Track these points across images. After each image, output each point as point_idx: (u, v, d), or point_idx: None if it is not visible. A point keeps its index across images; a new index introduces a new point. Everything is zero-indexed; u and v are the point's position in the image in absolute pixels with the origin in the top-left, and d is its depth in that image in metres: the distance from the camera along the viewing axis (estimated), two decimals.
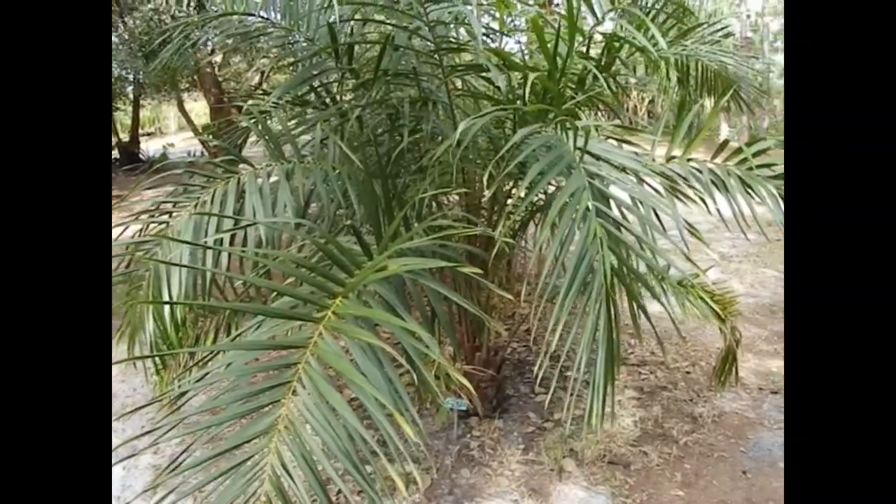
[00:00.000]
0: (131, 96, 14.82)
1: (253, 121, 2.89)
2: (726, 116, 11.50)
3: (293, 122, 3.12)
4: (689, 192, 2.46)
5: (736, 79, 4.03)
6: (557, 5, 5.87)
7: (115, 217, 1.95)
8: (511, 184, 2.87)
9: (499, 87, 2.53)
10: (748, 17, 12.44)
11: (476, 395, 3.24)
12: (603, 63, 2.58)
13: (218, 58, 10.18)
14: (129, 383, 4.18)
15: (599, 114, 3.62)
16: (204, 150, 11.99)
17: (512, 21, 3.55)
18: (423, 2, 2.47)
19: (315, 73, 2.98)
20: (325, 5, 2.96)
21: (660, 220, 2.36)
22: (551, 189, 2.57)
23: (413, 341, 1.59)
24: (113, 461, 1.43)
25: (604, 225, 1.84)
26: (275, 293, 1.91)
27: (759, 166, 2.56)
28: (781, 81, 12.61)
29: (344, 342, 1.58)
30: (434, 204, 2.95)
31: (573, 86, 2.59)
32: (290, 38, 3.13)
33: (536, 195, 2.38)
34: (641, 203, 2.11)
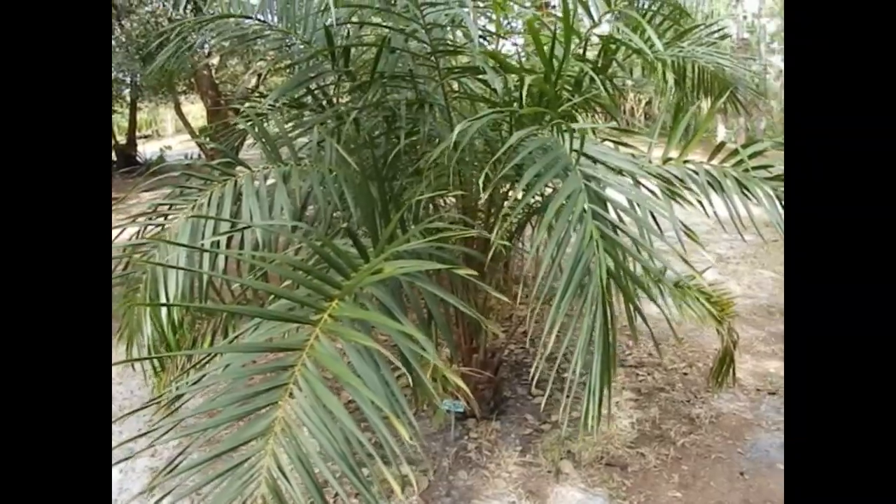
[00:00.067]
0: (128, 99, 14.80)
1: (250, 123, 2.89)
2: (723, 118, 11.53)
3: (290, 124, 3.12)
4: (686, 194, 2.46)
5: (733, 80, 4.04)
6: (554, 7, 5.88)
7: (113, 219, 1.95)
8: (508, 186, 2.87)
9: (495, 90, 2.53)
10: (745, 18, 12.48)
11: (473, 397, 3.25)
12: (599, 65, 2.58)
13: (215, 60, 10.19)
14: (126, 385, 4.17)
15: (596, 116, 3.63)
16: (201, 153, 11.99)
17: (508, 23, 3.56)
18: (420, 4, 2.47)
19: (312, 75, 2.98)
20: (322, 8, 2.96)
21: (656, 223, 2.36)
22: (548, 191, 2.57)
23: (409, 344, 1.59)
24: None
25: (600, 227, 1.84)
26: (272, 296, 1.91)
27: (755, 168, 2.56)
28: (778, 83, 12.65)
29: (341, 344, 1.58)
30: (431, 206, 2.95)
31: (570, 88, 2.60)
32: (287, 40, 3.12)
33: (533, 197, 2.39)
34: (638, 205, 2.11)
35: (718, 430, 3.28)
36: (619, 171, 2.17)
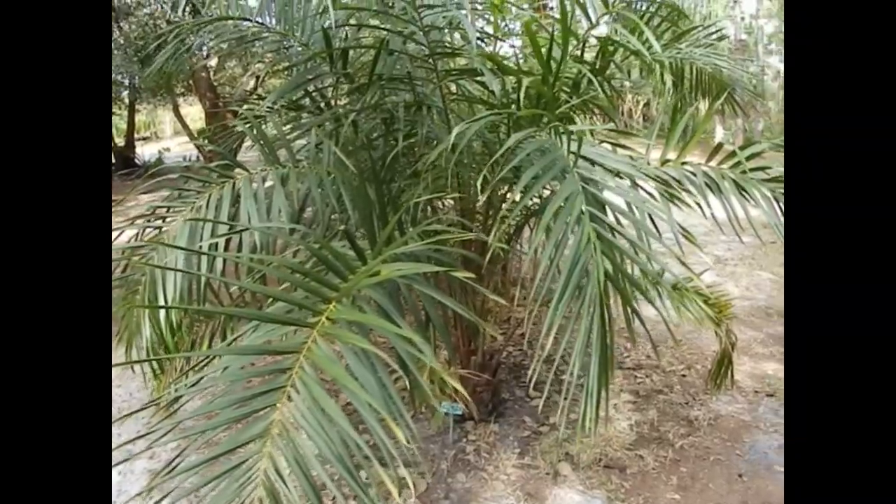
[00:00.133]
0: (127, 101, 14.81)
1: (248, 125, 2.89)
2: (721, 119, 11.54)
3: (288, 126, 3.12)
4: (684, 196, 2.46)
5: (730, 82, 4.05)
6: (552, 9, 5.88)
7: (112, 221, 1.95)
8: (506, 188, 2.87)
9: (493, 92, 2.53)
10: (742, 19, 12.48)
11: (472, 399, 3.25)
12: (597, 67, 2.58)
13: (213, 62, 10.19)
14: (125, 388, 4.17)
15: (594, 117, 3.63)
16: (199, 155, 11.99)
17: (506, 25, 3.56)
18: (418, 7, 2.47)
19: (310, 77, 2.98)
20: (320, 10, 2.96)
21: (654, 225, 2.37)
22: (546, 193, 2.57)
23: (406, 346, 1.59)
24: None
25: (598, 229, 1.84)
26: (270, 298, 1.91)
27: (753, 169, 2.56)
28: (776, 84, 12.66)
29: (339, 347, 1.58)
30: (429, 208, 2.95)
31: (568, 90, 2.60)
32: (285, 42, 3.13)
33: (531, 199, 2.39)
34: (636, 207, 2.12)
35: (717, 432, 3.28)
36: (617, 173, 2.18)
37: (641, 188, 2.33)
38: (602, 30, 2.70)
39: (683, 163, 2.61)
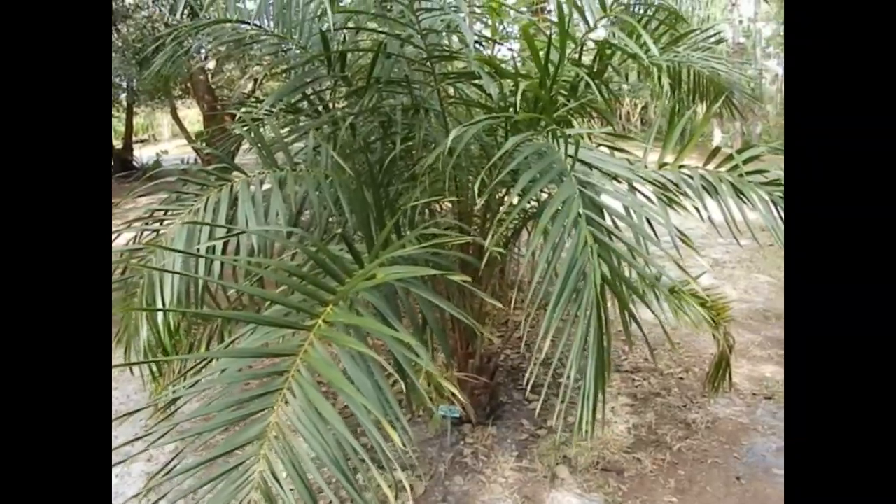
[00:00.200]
0: (125, 103, 14.83)
1: (246, 128, 2.89)
2: (719, 122, 11.57)
3: (286, 129, 3.13)
4: (682, 199, 2.46)
5: (728, 85, 4.05)
6: (549, 13, 5.89)
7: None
8: (503, 191, 2.88)
9: (491, 95, 2.54)
10: (740, 22, 12.52)
11: (469, 402, 3.25)
12: (595, 70, 2.59)
13: (211, 65, 10.20)
14: (122, 390, 4.17)
15: (592, 121, 3.63)
16: (197, 158, 11.99)
17: (504, 28, 3.56)
18: (416, 10, 2.48)
19: (308, 80, 2.99)
20: (318, 13, 2.96)
21: (652, 228, 2.37)
22: (544, 196, 2.58)
23: (403, 349, 1.59)
24: None
25: (595, 233, 1.85)
26: (267, 301, 1.91)
27: (751, 172, 2.57)
28: (774, 87, 12.68)
29: (335, 350, 1.58)
30: (426, 211, 2.96)
31: (565, 93, 2.60)
32: (283, 45, 3.13)
33: (528, 202, 2.39)
34: (633, 211, 2.12)
35: (715, 435, 3.28)
36: (615, 177, 2.18)
37: (639, 191, 2.33)
38: (600, 33, 2.71)
39: (681, 166, 2.62)
